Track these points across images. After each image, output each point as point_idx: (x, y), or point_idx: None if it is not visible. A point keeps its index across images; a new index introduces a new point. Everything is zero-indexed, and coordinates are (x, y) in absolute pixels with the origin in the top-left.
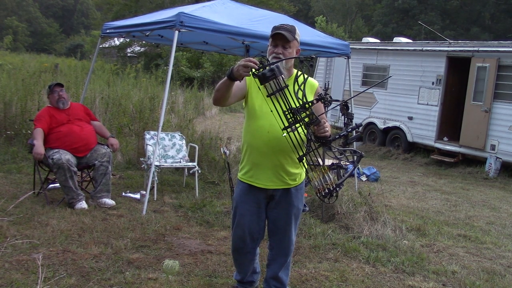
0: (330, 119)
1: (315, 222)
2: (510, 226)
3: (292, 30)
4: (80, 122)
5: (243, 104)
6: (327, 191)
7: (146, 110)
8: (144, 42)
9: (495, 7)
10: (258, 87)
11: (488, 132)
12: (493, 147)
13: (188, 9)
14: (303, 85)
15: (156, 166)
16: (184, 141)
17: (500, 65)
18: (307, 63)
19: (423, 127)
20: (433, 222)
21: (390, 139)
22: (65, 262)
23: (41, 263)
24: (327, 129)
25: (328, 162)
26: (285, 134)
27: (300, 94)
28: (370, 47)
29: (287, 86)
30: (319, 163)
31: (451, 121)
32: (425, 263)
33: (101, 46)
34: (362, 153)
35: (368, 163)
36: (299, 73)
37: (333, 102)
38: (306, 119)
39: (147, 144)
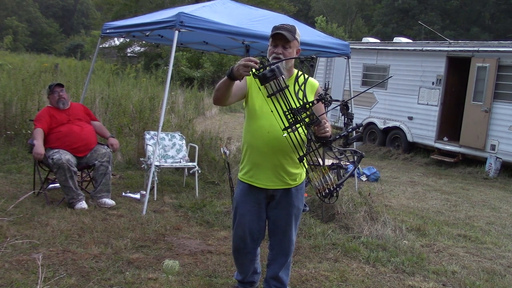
0: (330, 119)
1: (315, 222)
2: (510, 226)
3: (292, 30)
4: (80, 122)
5: (243, 104)
6: (327, 191)
7: (146, 110)
8: (144, 42)
9: (495, 7)
10: (259, 87)
11: (488, 132)
12: (493, 147)
13: (188, 9)
14: (303, 85)
15: (156, 166)
16: (184, 141)
17: (500, 65)
18: (307, 63)
19: (423, 127)
20: (433, 222)
21: (390, 139)
22: (65, 262)
23: (41, 263)
24: (327, 129)
25: (329, 162)
26: (285, 134)
27: (300, 94)
28: (370, 47)
29: (287, 87)
30: (319, 163)
31: (451, 121)
32: (425, 263)
33: (101, 46)
34: (363, 153)
35: (368, 163)
36: (300, 73)
37: (333, 102)
38: (307, 119)
39: (147, 144)
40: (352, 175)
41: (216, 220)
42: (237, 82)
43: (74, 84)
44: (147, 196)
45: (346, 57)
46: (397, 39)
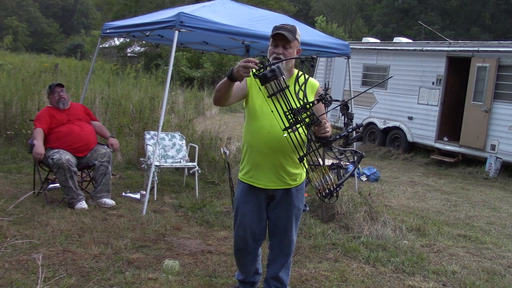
0: (330, 119)
1: (315, 222)
2: (510, 226)
3: (292, 30)
4: (80, 122)
5: (244, 104)
6: (327, 191)
7: (146, 110)
8: (144, 42)
9: (495, 7)
10: (259, 87)
11: (488, 132)
12: (493, 147)
13: (188, 9)
14: (303, 85)
15: (156, 166)
16: (184, 141)
17: (500, 65)
18: (307, 63)
19: (423, 127)
20: (433, 222)
21: (390, 139)
22: (65, 262)
23: (41, 263)
24: (327, 129)
25: (329, 162)
26: (285, 134)
27: (301, 95)
28: (370, 47)
29: (288, 87)
30: (319, 163)
31: (451, 121)
32: (425, 263)
33: (101, 46)
34: (363, 153)
35: (368, 163)
36: (300, 73)
37: (333, 102)
38: (307, 120)
39: (147, 144)
40: (352, 175)
41: (216, 220)
42: (237, 82)
43: (74, 84)
44: (147, 196)
45: (346, 57)
46: (397, 39)
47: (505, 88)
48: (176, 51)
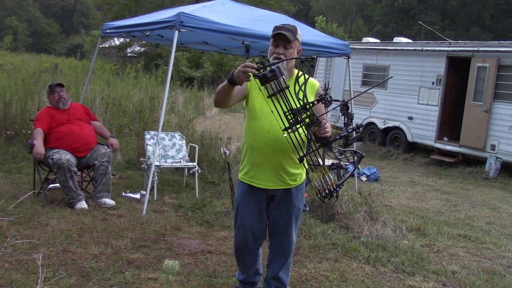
0: (330, 119)
1: (315, 222)
2: (510, 226)
3: (293, 30)
4: (80, 122)
5: (244, 104)
6: (327, 191)
7: (146, 110)
8: (144, 42)
9: (495, 7)
10: (259, 87)
11: (488, 132)
12: (493, 147)
13: (188, 9)
14: (303, 85)
15: (156, 166)
16: (184, 141)
17: (500, 65)
18: (307, 64)
19: (423, 127)
20: (433, 222)
21: (390, 139)
22: (65, 262)
23: (41, 263)
24: (327, 129)
25: (329, 162)
26: (285, 134)
27: (301, 95)
28: (370, 47)
29: (288, 87)
30: (319, 163)
31: (451, 121)
32: (425, 263)
33: (101, 46)
34: (363, 153)
35: (368, 163)
36: (300, 73)
37: (333, 102)
38: (307, 120)
39: (147, 144)
40: (352, 175)
41: (216, 220)
42: None
43: (74, 84)
44: (147, 196)
45: (346, 57)
46: (397, 39)
47: (505, 88)
48: (176, 51)
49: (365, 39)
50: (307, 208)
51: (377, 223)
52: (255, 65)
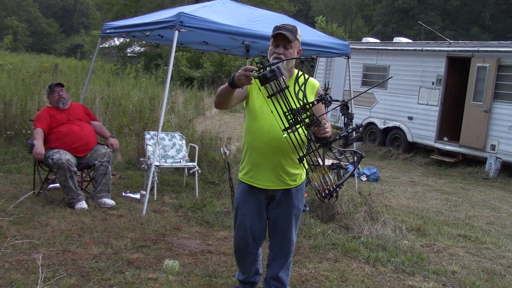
0: (330, 119)
1: (315, 222)
2: (510, 226)
3: (293, 30)
4: (80, 122)
5: (244, 104)
6: (327, 192)
7: (146, 110)
8: (144, 42)
9: (495, 7)
10: (259, 87)
11: (488, 132)
12: (493, 147)
13: (188, 9)
14: (303, 85)
15: (156, 166)
16: (184, 141)
17: (500, 65)
18: (308, 64)
19: (423, 127)
20: (433, 222)
21: (390, 139)
22: (65, 262)
23: (41, 263)
24: (327, 129)
25: (329, 162)
26: (285, 135)
27: (300, 95)
28: (370, 47)
29: (287, 87)
30: (319, 163)
31: (451, 121)
32: (425, 263)
33: (101, 46)
34: (363, 154)
35: (368, 163)
36: (300, 73)
37: (333, 102)
38: (307, 120)
39: (147, 144)
40: (352, 175)
41: (216, 220)
42: None
43: (74, 84)
44: (147, 196)
45: (346, 57)
46: (397, 39)
47: (505, 88)
48: (176, 51)
49: (365, 39)
50: (307, 208)
51: (377, 223)
52: (256, 68)
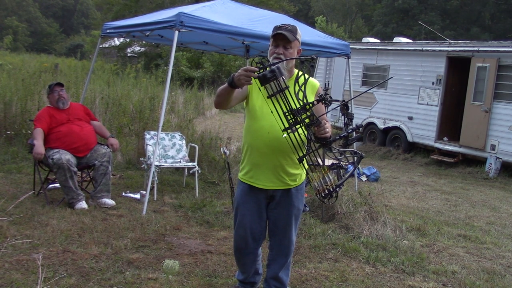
0: (330, 119)
1: (315, 222)
2: (510, 226)
3: (293, 30)
4: (80, 122)
5: (244, 104)
6: (326, 192)
7: (146, 110)
8: (144, 42)
9: (495, 7)
10: (259, 87)
11: (488, 132)
12: (493, 147)
13: (188, 9)
14: (303, 86)
15: (156, 166)
16: (184, 141)
17: (500, 65)
18: (308, 64)
19: (423, 127)
20: (433, 222)
21: (390, 139)
22: (65, 262)
23: (41, 263)
24: (327, 130)
25: (328, 162)
26: (285, 135)
27: (300, 95)
28: (370, 47)
29: (287, 87)
30: (319, 163)
31: (451, 121)
32: (425, 263)
33: (101, 46)
34: (363, 154)
35: (368, 163)
36: (300, 73)
37: (333, 103)
38: (307, 120)
39: (147, 144)
40: (351, 175)
41: (216, 220)
42: None
43: (74, 84)
44: (147, 196)
45: (346, 57)
46: (397, 39)
47: (505, 88)
48: (176, 51)
49: (365, 39)
50: (307, 208)
51: (377, 223)
52: (256, 69)
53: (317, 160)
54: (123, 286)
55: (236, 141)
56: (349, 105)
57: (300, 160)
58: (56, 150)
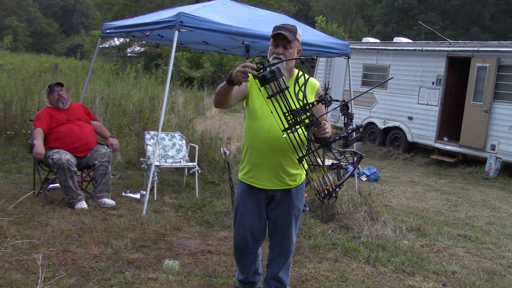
0: (330, 119)
1: (315, 222)
2: (510, 226)
3: (293, 30)
4: (80, 122)
5: (244, 104)
6: (326, 192)
7: (146, 110)
8: (144, 42)
9: (495, 7)
10: (259, 88)
11: (488, 132)
12: (493, 147)
13: (188, 9)
14: (303, 86)
15: (156, 166)
16: (184, 141)
17: (500, 65)
18: (308, 64)
19: (423, 127)
20: (433, 222)
21: (390, 139)
22: (65, 262)
23: (41, 263)
24: (327, 130)
25: (328, 162)
26: (285, 135)
27: (300, 95)
28: (370, 47)
29: (287, 88)
30: (319, 164)
31: (451, 121)
32: (425, 263)
33: (101, 46)
34: (362, 154)
35: (368, 163)
36: (300, 73)
37: (333, 103)
38: (307, 121)
39: (147, 144)
40: (351, 175)
41: (216, 220)
42: None
43: (74, 84)
44: (147, 196)
45: (346, 57)
46: (397, 39)
47: (505, 88)
48: (176, 51)
49: (365, 39)
50: (307, 208)
51: (377, 223)
52: (254, 66)
53: (316, 160)
54: (123, 286)
55: (236, 141)
56: (349, 105)
57: (300, 160)
58: (56, 150)
